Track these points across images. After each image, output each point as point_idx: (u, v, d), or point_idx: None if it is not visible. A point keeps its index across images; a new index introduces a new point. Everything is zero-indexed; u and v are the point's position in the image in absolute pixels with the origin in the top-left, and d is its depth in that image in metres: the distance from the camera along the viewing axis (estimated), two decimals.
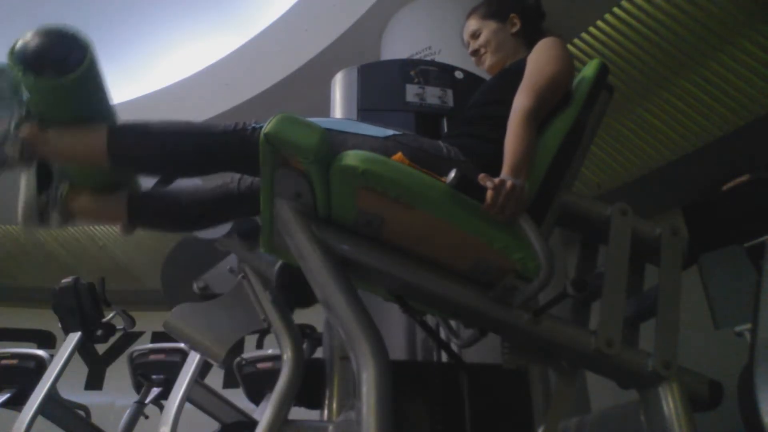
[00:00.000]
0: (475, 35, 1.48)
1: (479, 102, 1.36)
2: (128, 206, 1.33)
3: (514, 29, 1.45)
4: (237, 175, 1.34)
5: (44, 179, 1.29)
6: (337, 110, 2.18)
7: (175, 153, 1.18)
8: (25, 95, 1.17)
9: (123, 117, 1.25)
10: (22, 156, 1.16)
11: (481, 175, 1.01)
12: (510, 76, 1.31)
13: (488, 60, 1.46)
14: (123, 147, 1.18)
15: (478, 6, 1.51)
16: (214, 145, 1.15)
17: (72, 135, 1.18)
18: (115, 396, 6.13)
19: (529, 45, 1.34)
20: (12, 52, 1.12)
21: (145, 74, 6.45)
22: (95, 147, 1.17)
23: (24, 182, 1.26)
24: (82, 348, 3.22)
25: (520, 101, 1.16)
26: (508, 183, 0.99)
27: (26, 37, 1.13)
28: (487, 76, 1.51)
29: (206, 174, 1.27)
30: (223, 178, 1.35)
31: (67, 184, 1.32)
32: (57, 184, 1.31)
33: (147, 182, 1.38)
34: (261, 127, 1.09)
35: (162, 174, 1.34)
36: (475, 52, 1.49)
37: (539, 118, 1.16)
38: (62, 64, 1.12)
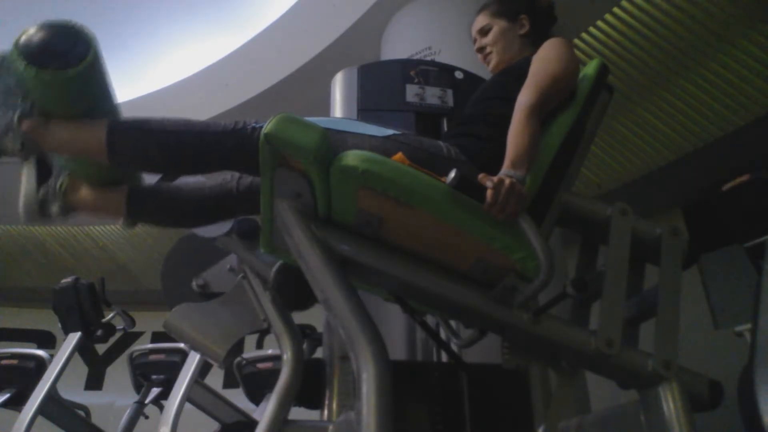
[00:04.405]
0: (483, 31, 1.48)
1: (481, 99, 1.35)
2: (128, 201, 1.33)
3: (523, 30, 1.44)
4: (237, 174, 1.34)
5: (44, 172, 1.30)
6: (337, 110, 2.18)
7: (174, 151, 1.17)
8: (28, 88, 1.17)
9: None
10: (23, 149, 1.17)
11: (481, 175, 1.00)
12: (512, 74, 1.31)
13: (494, 60, 1.46)
14: (122, 144, 1.18)
15: (489, 3, 1.50)
16: (213, 144, 1.15)
17: (73, 129, 1.18)
18: (115, 396, 6.12)
19: (535, 47, 1.34)
20: (15, 45, 1.12)
21: (145, 74, 6.45)
22: (94, 142, 1.17)
23: (24, 175, 1.27)
24: (82, 348, 3.21)
25: (524, 97, 1.16)
26: (507, 181, 0.99)
27: (30, 31, 1.13)
28: (488, 76, 1.51)
29: (205, 172, 1.27)
30: (222, 177, 1.35)
31: (66, 176, 1.32)
32: (57, 177, 1.31)
33: (150, 178, 1.39)
34: (261, 127, 1.09)
35: (160, 171, 1.34)
36: (481, 50, 1.48)
37: (542, 114, 1.16)
38: (65, 57, 1.12)
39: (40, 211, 1.29)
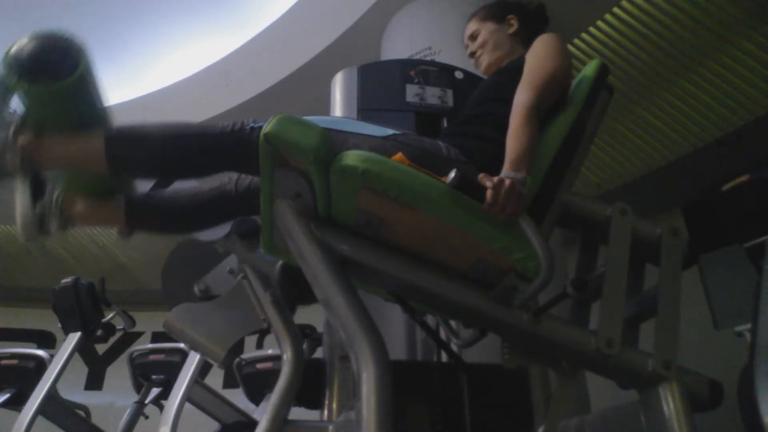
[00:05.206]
0: (473, 36, 1.51)
1: (479, 101, 1.36)
2: (126, 210, 1.32)
3: (512, 29, 1.47)
4: (234, 176, 1.33)
5: (39, 188, 1.27)
6: (337, 110, 2.18)
7: (173, 156, 1.16)
8: (21, 102, 1.15)
9: (123, 118, 1.24)
10: (21, 165, 1.15)
11: (481, 175, 1.00)
12: (508, 73, 1.31)
13: (485, 60, 1.47)
14: (120, 152, 1.16)
15: (477, 10, 1.54)
16: (212, 147, 1.14)
17: (69, 142, 1.17)
18: (115, 396, 6.12)
19: (527, 46, 1.34)
20: (6, 59, 1.10)
21: (145, 74, 6.45)
22: (93, 153, 1.15)
23: (19, 193, 1.24)
24: (82, 348, 3.21)
25: (521, 97, 1.16)
26: (507, 181, 0.99)
27: (20, 43, 1.12)
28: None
29: (205, 175, 1.26)
30: (220, 179, 1.34)
31: (61, 190, 1.29)
32: (51, 192, 1.29)
33: (144, 185, 1.38)
34: (260, 127, 1.09)
35: (161, 177, 1.33)
36: (473, 54, 1.51)
37: (540, 113, 1.16)
38: (57, 69, 1.11)
39: (38, 228, 1.27)
